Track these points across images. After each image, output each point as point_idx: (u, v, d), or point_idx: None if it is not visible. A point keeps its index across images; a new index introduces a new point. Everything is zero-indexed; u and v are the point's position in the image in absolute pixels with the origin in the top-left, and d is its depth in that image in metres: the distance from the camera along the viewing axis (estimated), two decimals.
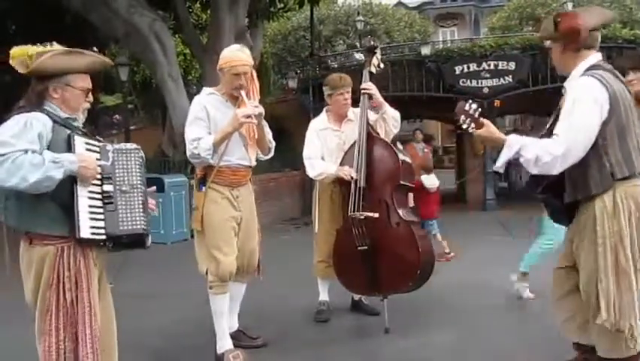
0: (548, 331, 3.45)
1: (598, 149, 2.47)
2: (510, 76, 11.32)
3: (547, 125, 2.68)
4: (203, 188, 3.37)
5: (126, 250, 2.49)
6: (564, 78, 3.21)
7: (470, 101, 2.69)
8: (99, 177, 2.32)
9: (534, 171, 2.53)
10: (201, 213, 3.35)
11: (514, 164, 2.67)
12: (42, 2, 10.95)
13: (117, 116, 17.16)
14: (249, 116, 3.21)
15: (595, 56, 2.61)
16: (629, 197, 2.49)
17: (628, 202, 2.49)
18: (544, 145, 2.49)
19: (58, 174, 2.15)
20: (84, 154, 2.26)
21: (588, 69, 2.56)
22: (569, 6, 15.33)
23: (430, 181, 6.44)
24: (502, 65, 11.34)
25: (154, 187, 2.62)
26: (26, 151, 2.11)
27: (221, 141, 3.27)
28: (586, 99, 2.46)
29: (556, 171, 2.48)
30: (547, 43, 2.79)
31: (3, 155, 2.08)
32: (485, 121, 2.65)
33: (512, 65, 11.30)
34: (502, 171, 2.71)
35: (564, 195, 2.58)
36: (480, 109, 2.65)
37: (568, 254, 2.75)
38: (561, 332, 2.92)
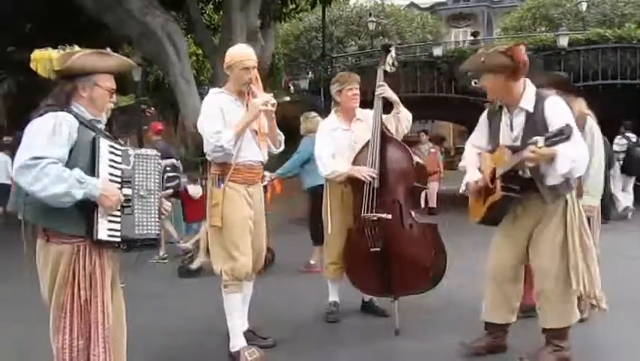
0: None
1: None
2: None
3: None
4: (222, 185, 3.39)
5: (138, 251, 2.52)
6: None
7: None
8: (119, 180, 2.36)
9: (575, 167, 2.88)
10: (221, 210, 3.37)
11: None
12: (57, 3, 11.08)
13: (151, 109, 17.26)
14: (266, 104, 3.31)
15: (529, 82, 3.11)
16: None
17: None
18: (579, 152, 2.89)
19: (79, 195, 2.18)
20: (110, 186, 2.28)
21: (538, 91, 3.08)
22: (584, 6, 15.23)
23: (195, 190, 6.90)
24: None
25: (170, 190, 2.66)
26: (57, 162, 2.16)
27: (242, 130, 3.32)
28: (570, 113, 3.02)
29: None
30: (488, 76, 3.08)
31: (36, 158, 2.13)
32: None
33: None
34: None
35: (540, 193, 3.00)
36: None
37: (514, 242, 3.18)
38: (488, 318, 3.35)
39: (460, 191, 3.32)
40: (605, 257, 3.92)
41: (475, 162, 3.33)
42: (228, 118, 3.38)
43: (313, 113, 6.31)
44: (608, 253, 4.03)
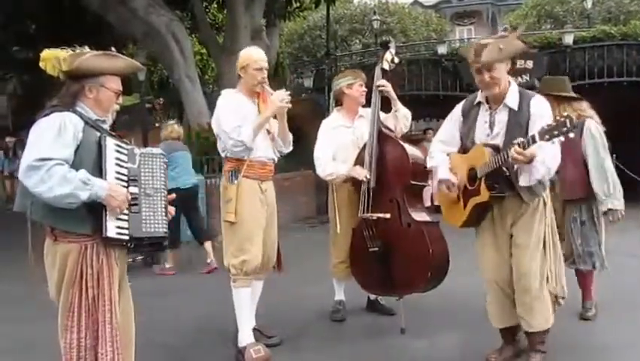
0: (558, 329, 3.43)
1: None
2: (528, 74, 11.22)
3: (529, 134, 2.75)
4: (236, 181, 3.42)
5: (145, 250, 2.53)
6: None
7: None
8: (125, 179, 2.37)
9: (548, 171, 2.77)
10: (235, 205, 3.39)
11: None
12: (61, 3, 11.11)
13: (159, 101, 17.37)
14: (282, 101, 3.40)
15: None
16: None
17: None
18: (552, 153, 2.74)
19: (84, 195, 2.19)
20: (117, 187, 2.29)
21: (520, 89, 3.04)
22: (589, 3, 15.16)
23: None
24: (519, 63, 11.19)
25: (173, 195, 2.66)
26: (63, 163, 2.18)
27: (261, 126, 3.40)
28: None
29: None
30: (501, 66, 2.97)
31: (42, 160, 2.14)
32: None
33: (530, 64, 11.18)
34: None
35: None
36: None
37: (498, 243, 3.07)
38: (501, 324, 3.21)
39: (434, 191, 3.20)
40: (605, 256, 3.90)
41: (445, 162, 3.16)
42: (243, 115, 3.43)
43: (171, 122, 6.83)
44: (609, 252, 4.01)
